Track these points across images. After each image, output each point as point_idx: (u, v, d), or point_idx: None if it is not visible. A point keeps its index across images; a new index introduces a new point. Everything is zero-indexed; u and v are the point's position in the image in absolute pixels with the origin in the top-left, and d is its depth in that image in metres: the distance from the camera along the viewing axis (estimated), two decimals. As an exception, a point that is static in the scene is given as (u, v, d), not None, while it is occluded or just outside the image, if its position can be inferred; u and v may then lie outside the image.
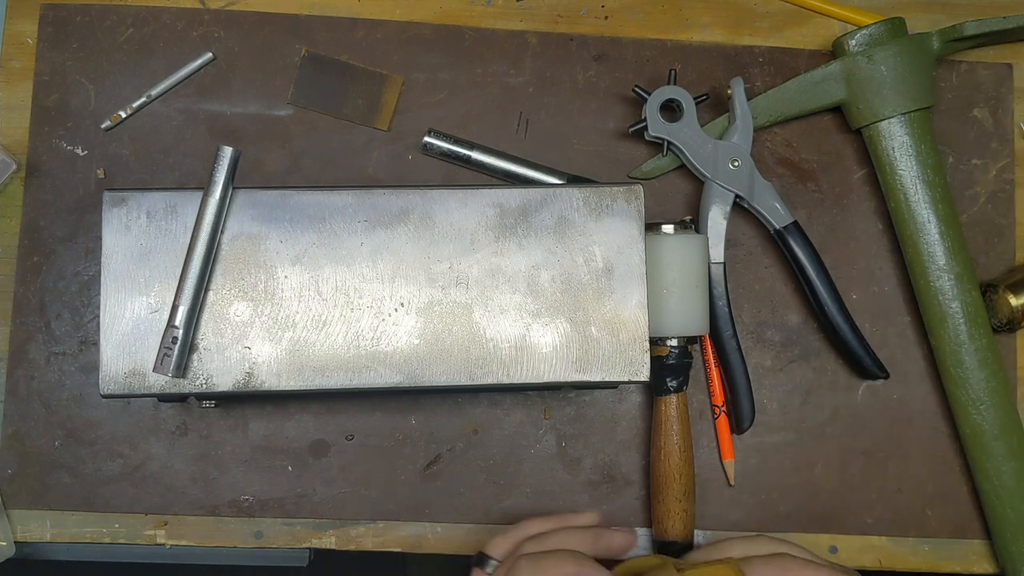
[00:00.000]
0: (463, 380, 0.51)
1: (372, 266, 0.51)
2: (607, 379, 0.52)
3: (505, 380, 0.51)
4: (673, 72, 0.61)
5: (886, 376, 0.61)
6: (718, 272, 0.60)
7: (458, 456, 0.61)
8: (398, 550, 0.61)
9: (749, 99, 0.61)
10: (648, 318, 0.52)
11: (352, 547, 0.61)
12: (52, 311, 0.60)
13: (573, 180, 0.61)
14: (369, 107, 0.63)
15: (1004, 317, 0.61)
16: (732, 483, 0.61)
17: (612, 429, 0.62)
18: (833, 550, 0.62)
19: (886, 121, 0.60)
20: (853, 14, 0.65)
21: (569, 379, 0.52)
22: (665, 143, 0.61)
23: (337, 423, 0.61)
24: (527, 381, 0.52)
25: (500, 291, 0.52)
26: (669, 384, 0.58)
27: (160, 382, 0.50)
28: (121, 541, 0.59)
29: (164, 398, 0.54)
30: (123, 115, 0.62)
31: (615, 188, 0.53)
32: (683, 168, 0.63)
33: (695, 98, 0.60)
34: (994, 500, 0.60)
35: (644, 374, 0.52)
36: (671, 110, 0.62)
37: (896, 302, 0.63)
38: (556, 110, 0.64)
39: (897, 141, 0.60)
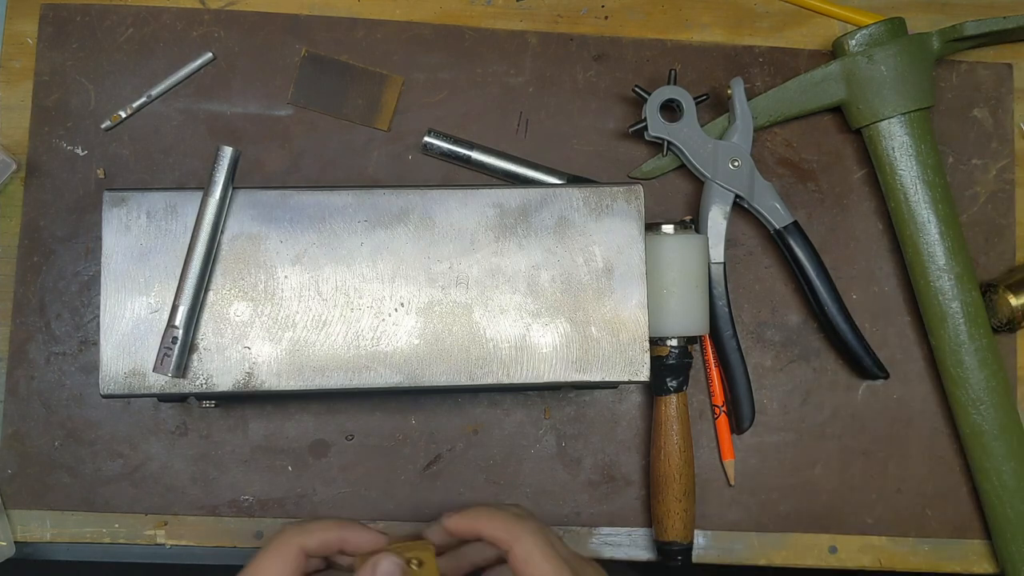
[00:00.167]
0: (463, 380, 0.51)
1: (372, 266, 0.51)
2: (607, 379, 0.52)
3: (505, 380, 0.51)
4: (673, 72, 0.61)
5: (886, 376, 0.61)
6: (718, 272, 0.60)
7: (458, 456, 0.61)
8: (398, 550, 0.61)
9: (749, 99, 0.61)
10: (648, 318, 0.52)
11: (352, 547, 0.61)
12: (52, 311, 0.60)
13: (573, 180, 0.61)
14: (369, 107, 0.63)
15: (1004, 317, 0.61)
16: (732, 483, 0.61)
17: (612, 429, 0.62)
18: (833, 550, 0.62)
19: (886, 121, 0.60)
20: (853, 14, 0.65)
21: (569, 379, 0.52)
22: (665, 143, 0.61)
23: (337, 423, 0.61)
24: (527, 381, 0.52)
25: (500, 291, 0.52)
26: (669, 384, 0.58)
27: (160, 382, 0.50)
28: (121, 541, 0.59)
29: (164, 398, 0.54)
30: (123, 115, 0.62)
31: (615, 188, 0.53)
32: (683, 168, 0.63)
33: (695, 98, 0.60)
34: (994, 500, 0.60)
35: (644, 374, 0.52)
36: (671, 110, 0.62)
37: (896, 302, 0.63)
38: (556, 110, 0.64)
39: (897, 141, 0.60)
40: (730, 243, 0.62)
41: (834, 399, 0.63)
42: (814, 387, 0.63)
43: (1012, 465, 0.59)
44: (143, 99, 0.62)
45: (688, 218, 0.60)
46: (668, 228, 0.57)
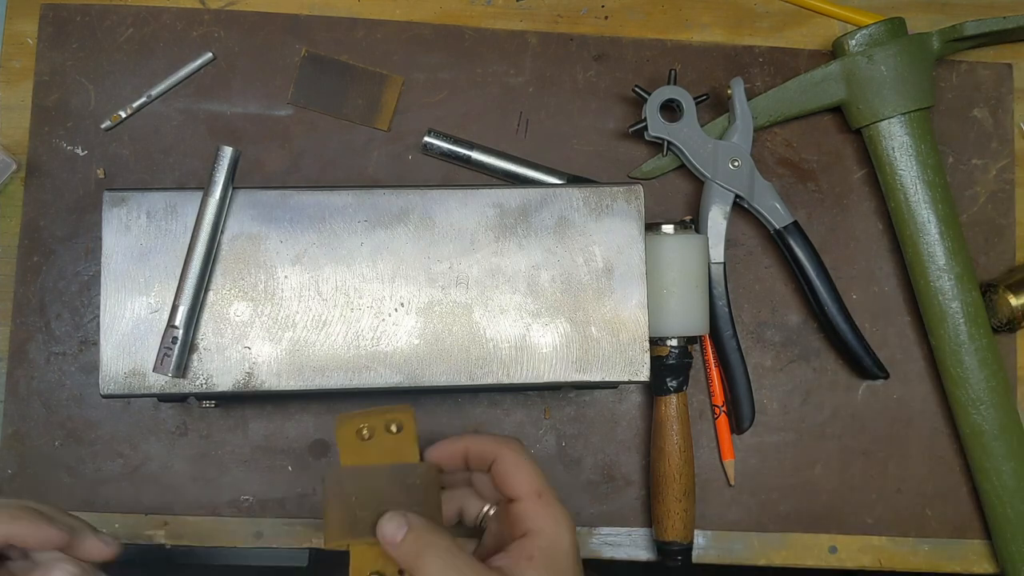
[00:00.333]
0: (463, 380, 0.51)
1: (372, 266, 0.51)
2: (607, 379, 0.52)
3: (505, 380, 0.51)
4: (673, 72, 0.61)
5: (886, 376, 0.61)
6: (718, 272, 0.60)
7: (458, 456, 0.61)
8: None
9: (749, 99, 0.61)
10: (648, 318, 0.52)
11: (352, 547, 0.61)
12: (52, 311, 0.60)
13: (573, 180, 0.61)
14: (369, 107, 0.63)
15: (1004, 317, 0.61)
16: (732, 483, 0.61)
17: (612, 429, 0.62)
18: (833, 550, 0.62)
19: (886, 121, 0.60)
20: (853, 14, 0.65)
21: (569, 379, 0.52)
22: (665, 143, 0.61)
23: (337, 423, 0.60)
24: (527, 381, 0.52)
25: (500, 291, 0.52)
26: (669, 384, 0.58)
27: (160, 382, 0.50)
28: (121, 541, 0.59)
29: (164, 398, 0.54)
30: (123, 115, 0.62)
31: (615, 188, 0.53)
32: (683, 168, 0.63)
33: (695, 98, 0.60)
34: (994, 500, 0.60)
35: (644, 374, 0.52)
36: (671, 110, 0.62)
37: (896, 302, 0.63)
38: (556, 110, 0.64)
39: (897, 141, 0.60)
40: (730, 243, 0.62)
41: (834, 399, 0.63)
42: (814, 387, 0.63)
43: (1012, 465, 0.59)
44: (143, 99, 0.62)
45: (688, 218, 0.60)
46: (668, 228, 0.57)
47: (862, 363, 0.61)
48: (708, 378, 0.62)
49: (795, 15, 0.66)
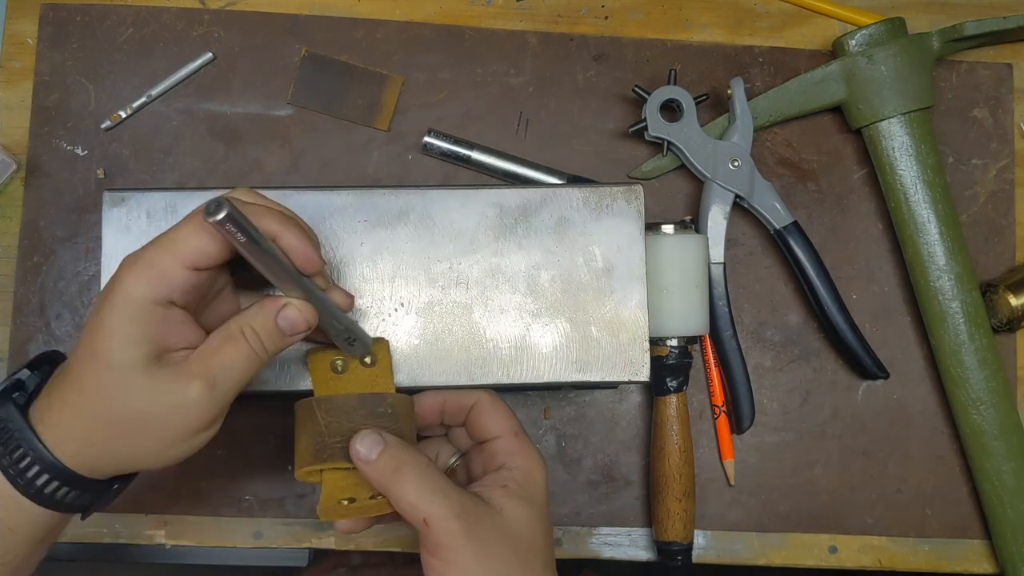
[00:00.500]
0: (463, 380, 0.51)
1: (372, 266, 0.51)
2: (607, 379, 0.52)
3: (505, 380, 0.51)
4: (673, 72, 0.61)
5: (886, 376, 0.61)
6: (718, 272, 0.60)
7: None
8: (398, 550, 0.61)
9: (749, 99, 0.61)
10: (648, 318, 0.52)
11: (352, 547, 0.61)
12: (52, 311, 0.60)
13: (573, 180, 0.61)
14: (369, 107, 0.63)
15: (1004, 317, 0.61)
16: (732, 483, 0.61)
17: (612, 429, 0.62)
18: (833, 550, 0.62)
19: (886, 121, 0.60)
20: (853, 14, 0.65)
21: (569, 379, 0.52)
22: (665, 143, 0.61)
23: (337, 423, 0.60)
24: (527, 381, 0.52)
25: (500, 291, 0.52)
26: (669, 384, 0.58)
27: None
28: (121, 541, 0.59)
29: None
30: (123, 115, 0.62)
31: (615, 188, 0.53)
32: (683, 168, 0.63)
33: (695, 98, 0.60)
34: (994, 500, 0.60)
35: (644, 374, 0.52)
36: (671, 110, 0.62)
37: (896, 302, 0.63)
38: (556, 110, 0.64)
39: (897, 141, 0.60)
40: (730, 243, 0.62)
41: (834, 399, 0.62)
42: (814, 387, 0.63)
43: (1012, 465, 0.59)
44: (143, 99, 0.62)
45: (688, 218, 0.60)
46: (668, 228, 0.57)
47: (862, 363, 0.61)
48: (708, 378, 0.62)
49: (795, 15, 0.66)
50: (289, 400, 0.48)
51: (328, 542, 0.60)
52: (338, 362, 0.47)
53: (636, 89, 0.61)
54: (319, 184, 0.62)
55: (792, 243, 0.60)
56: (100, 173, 0.61)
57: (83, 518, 0.45)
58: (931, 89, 0.60)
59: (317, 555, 0.80)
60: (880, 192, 0.63)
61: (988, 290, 0.61)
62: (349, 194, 0.52)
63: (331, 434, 0.45)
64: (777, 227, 0.61)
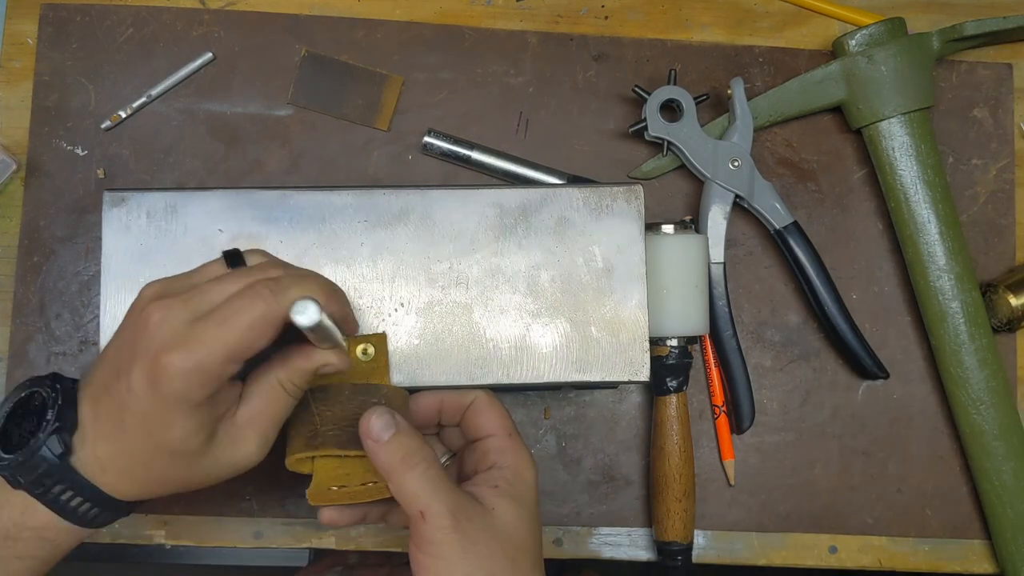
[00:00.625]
0: (463, 380, 0.51)
1: (372, 266, 0.51)
2: (607, 379, 0.52)
3: (505, 380, 0.51)
4: (673, 72, 0.61)
5: (886, 376, 0.61)
6: (718, 272, 0.60)
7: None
8: (398, 550, 0.61)
9: (749, 99, 0.61)
10: (648, 318, 0.52)
11: (352, 547, 0.61)
12: (52, 311, 0.60)
13: (573, 180, 0.61)
14: (369, 107, 0.63)
15: (1004, 317, 0.61)
16: (732, 483, 0.61)
17: (612, 429, 0.62)
18: (833, 550, 0.62)
19: (886, 121, 0.60)
20: (853, 14, 0.65)
21: (569, 379, 0.52)
22: (665, 143, 0.61)
23: (337, 423, 0.60)
24: (527, 381, 0.52)
25: (500, 291, 0.52)
26: (669, 384, 0.58)
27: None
28: (121, 541, 0.59)
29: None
30: (123, 115, 0.62)
31: (615, 188, 0.53)
32: (683, 168, 0.63)
33: (695, 98, 0.60)
34: (994, 500, 0.60)
35: (644, 374, 0.52)
36: (671, 110, 0.62)
37: (896, 302, 0.63)
38: (556, 110, 0.64)
39: (897, 141, 0.60)
40: (730, 243, 0.62)
41: (834, 399, 0.62)
42: (814, 387, 0.63)
43: (1012, 465, 0.59)
44: (143, 99, 0.62)
45: (688, 218, 0.60)
46: (668, 228, 0.57)
47: (862, 363, 0.61)
48: (708, 378, 0.62)
49: (795, 15, 0.66)
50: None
51: (328, 542, 0.60)
52: None
53: (636, 89, 0.61)
54: (319, 184, 0.62)
55: (792, 243, 0.60)
56: (100, 173, 0.61)
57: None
58: (931, 89, 0.61)
59: (317, 555, 0.80)
60: (880, 192, 0.63)
61: (988, 290, 0.61)
62: (349, 194, 0.52)
63: (324, 422, 0.46)
64: (777, 227, 0.61)
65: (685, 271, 0.56)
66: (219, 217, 0.51)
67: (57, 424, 0.41)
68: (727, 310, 0.60)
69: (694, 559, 0.60)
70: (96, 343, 0.60)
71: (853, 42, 0.61)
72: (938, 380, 0.62)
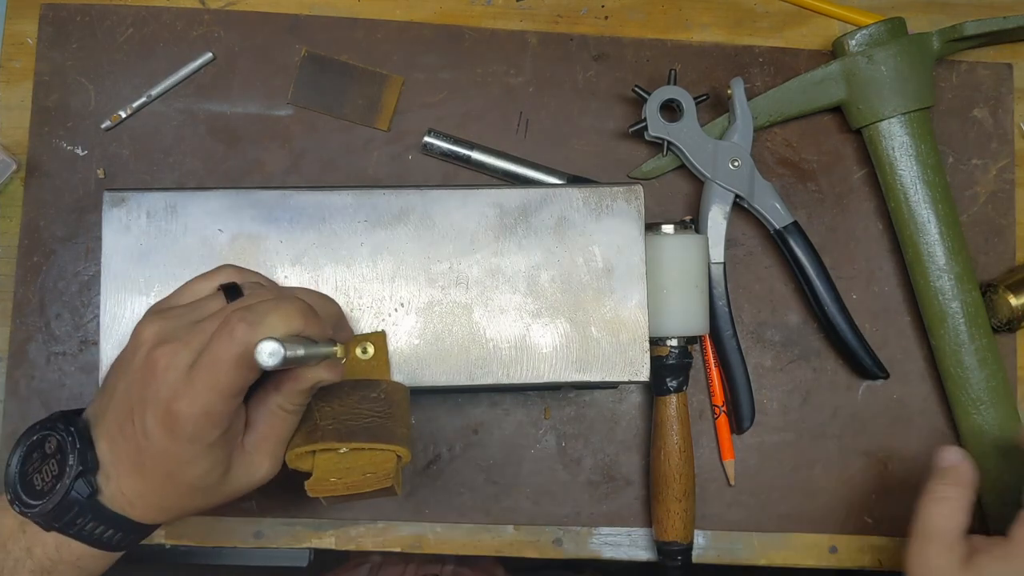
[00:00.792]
0: (463, 380, 0.51)
1: (372, 266, 0.51)
2: (607, 379, 0.52)
3: (505, 380, 0.51)
4: (673, 72, 0.61)
5: (886, 376, 0.61)
6: (718, 272, 0.60)
7: (458, 456, 0.61)
8: (398, 550, 0.61)
9: (749, 99, 0.61)
10: (648, 318, 0.52)
11: (352, 547, 0.61)
12: (52, 311, 0.60)
13: (573, 180, 0.61)
14: (369, 107, 0.63)
15: (1004, 317, 0.61)
16: (732, 483, 0.61)
17: (612, 429, 0.62)
18: (833, 550, 0.62)
19: (886, 121, 0.60)
20: (853, 14, 0.65)
21: (569, 379, 0.52)
22: (665, 143, 0.61)
23: (337, 423, 0.60)
24: (527, 381, 0.52)
25: (500, 291, 0.52)
26: (669, 384, 0.58)
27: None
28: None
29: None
30: (123, 115, 0.62)
31: (615, 188, 0.53)
32: (683, 168, 0.63)
33: (695, 98, 0.60)
34: (993, 500, 0.60)
35: (644, 374, 0.52)
36: (671, 110, 0.62)
37: (896, 302, 0.63)
38: (556, 110, 0.64)
39: (897, 141, 0.60)
40: (730, 243, 0.62)
41: (834, 399, 0.62)
42: (814, 387, 0.63)
43: (1012, 465, 0.59)
44: (143, 99, 0.62)
45: (688, 218, 0.60)
46: (668, 228, 0.57)
47: (862, 363, 0.61)
48: (708, 378, 0.62)
49: (795, 15, 0.66)
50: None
51: (328, 542, 0.60)
52: None
53: (636, 89, 0.61)
54: (319, 184, 0.62)
55: (792, 243, 0.60)
56: (100, 173, 0.61)
57: None
58: (931, 89, 0.60)
59: (317, 555, 0.80)
60: (880, 192, 0.63)
61: (988, 290, 0.61)
62: (349, 194, 0.52)
63: (323, 417, 0.46)
64: (777, 227, 0.61)
65: (685, 271, 0.56)
66: (219, 217, 0.51)
67: (80, 468, 0.42)
68: (727, 310, 0.60)
69: (694, 559, 0.60)
70: (96, 343, 0.60)
71: (853, 42, 0.61)
72: (938, 380, 0.62)
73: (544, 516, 0.61)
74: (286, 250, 0.51)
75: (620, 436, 0.62)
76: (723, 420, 0.62)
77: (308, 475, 0.47)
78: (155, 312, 0.45)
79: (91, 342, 0.60)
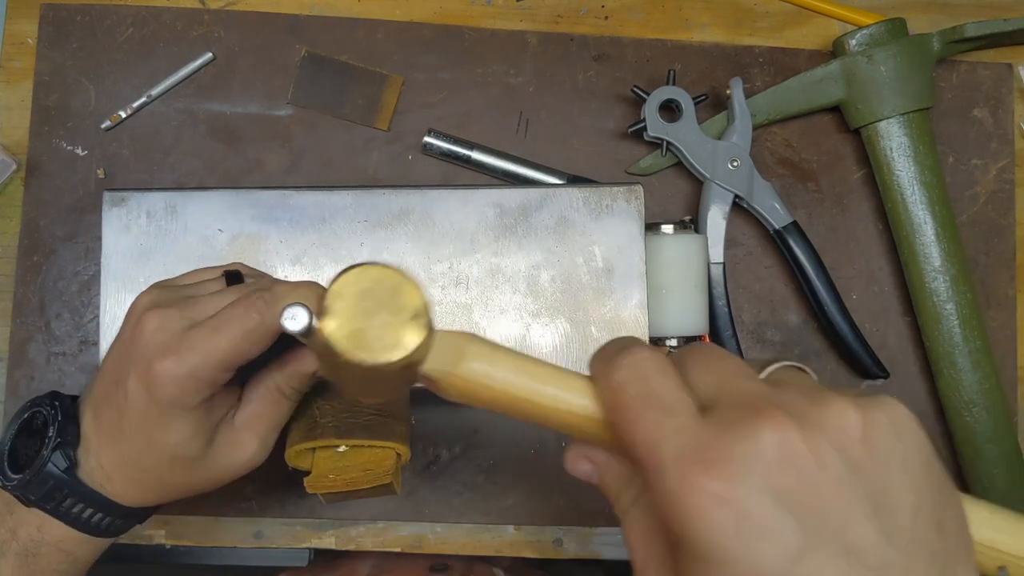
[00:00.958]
0: (463, 380, 0.51)
1: (372, 266, 0.51)
2: (607, 379, 0.52)
3: (505, 380, 0.51)
4: (672, 72, 0.61)
5: (886, 376, 0.61)
6: (718, 272, 0.60)
7: (458, 456, 0.61)
8: (398, 550, 0.61)
9: (748, 98, 0.61)
10: (648, 318, 0.52)
11: (352, 547, 0.61)
12: (52, 311, 0.60)
13: (573, 180, 0.61)
14: (369, 107, 0.63)
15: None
16: (732, 483, 0.61)
17: (612, 429, 0.62)
18: (833, 550, 0.61)
19: (884, 121, 0.60)
20: (853, 14, 0.65)
21: (569, 379, 0.52)
22: (664, 143, 0.61)
23: (337, 423, 0.60)
24: (527, 381, 0.52)
25: (500, 291, 0.52)
26: (669, 384, 0.58)
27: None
28: (121, 541, 0.59)
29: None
30: (123, 115, 0.62)
31: (615, 188, 0.53)
32: (681, 165, 0.63)
33: (694, 98, 0.60)
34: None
35: (644, 374, 0.52)
36: (670, 110, 0.62)
37: (896, 302, 0.63)
38: (556, 110, 0.64)
39: (895, 141, 0.60)
40: (730, 243, 0.62)
41: (834, 399, 0.62)
42: (814, 387, 0.63)
43: (1004, 468, 0.59)
44: (143, 99, 0.62)
45: (688, 218, 0.60)
46: (668, 228, 0.57)
47: (862, 363, 0.61)
48: (708, 378, 0.62)
49: (795, 15, 0.66)
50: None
51: (328, 542, 0.60)
52: None
53: (635, 89, 0.61)
54: (319, 184, 0.62)
55: (792, 243, 0.60)
56: (100, 173, 0.61)
57: None
58: (931, 90, 0.60)
59: (318, 555, 0.80)
60: (880, 192, 0.63)
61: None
62: (349, 194, 0.52)
63: (323, 414, 0.47)
64: (777, 227, 0.61)
65: (685, 271, 0.56)
66: (219, 217, 0.51)
67: (59, 440, 0.42)
68: (727, 310, 0.60)
69: (694, 559, 0.60)
70: (96, 343, 0.60)
71: (853, 42, 0.61)
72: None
73: (544, 516, 0.61)
74: (286, 250, 0.51)
75: (620, 436, 0.62)
76: (723, 420, 0.62)
77: (308, 474, 0.47)
78: (153, 285, 0.45)
79: (91, 342, 0.60)
